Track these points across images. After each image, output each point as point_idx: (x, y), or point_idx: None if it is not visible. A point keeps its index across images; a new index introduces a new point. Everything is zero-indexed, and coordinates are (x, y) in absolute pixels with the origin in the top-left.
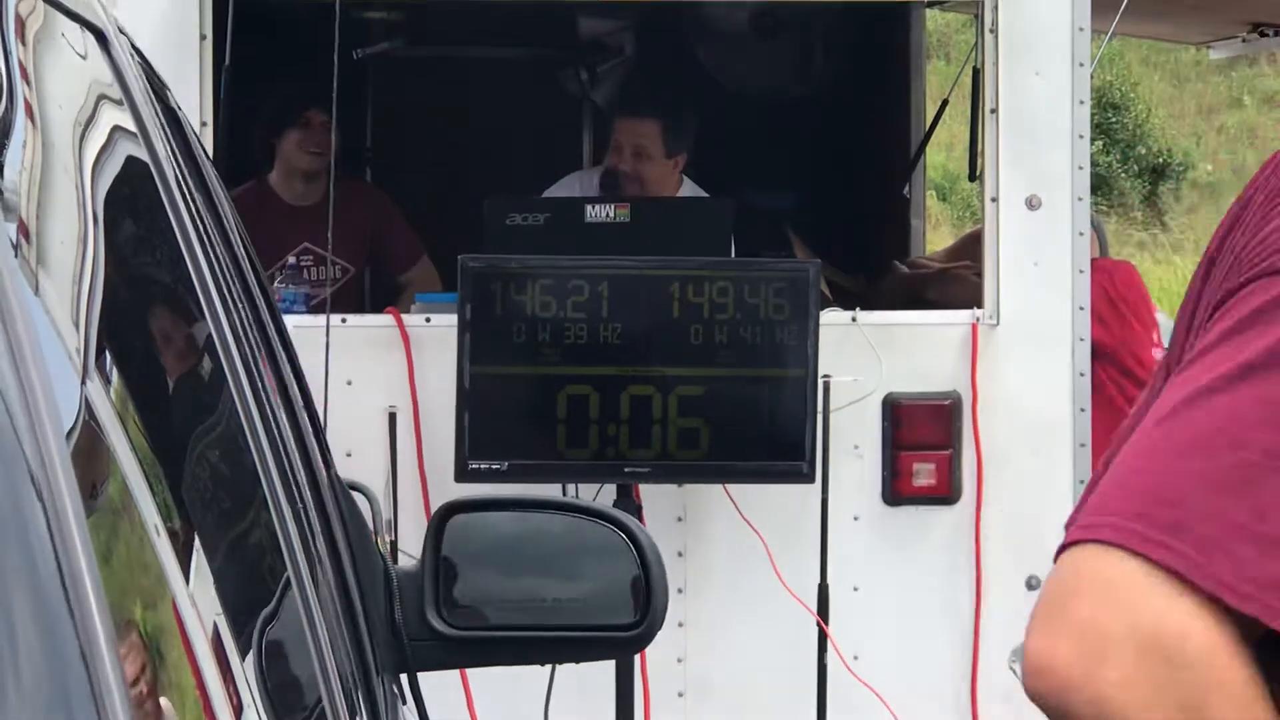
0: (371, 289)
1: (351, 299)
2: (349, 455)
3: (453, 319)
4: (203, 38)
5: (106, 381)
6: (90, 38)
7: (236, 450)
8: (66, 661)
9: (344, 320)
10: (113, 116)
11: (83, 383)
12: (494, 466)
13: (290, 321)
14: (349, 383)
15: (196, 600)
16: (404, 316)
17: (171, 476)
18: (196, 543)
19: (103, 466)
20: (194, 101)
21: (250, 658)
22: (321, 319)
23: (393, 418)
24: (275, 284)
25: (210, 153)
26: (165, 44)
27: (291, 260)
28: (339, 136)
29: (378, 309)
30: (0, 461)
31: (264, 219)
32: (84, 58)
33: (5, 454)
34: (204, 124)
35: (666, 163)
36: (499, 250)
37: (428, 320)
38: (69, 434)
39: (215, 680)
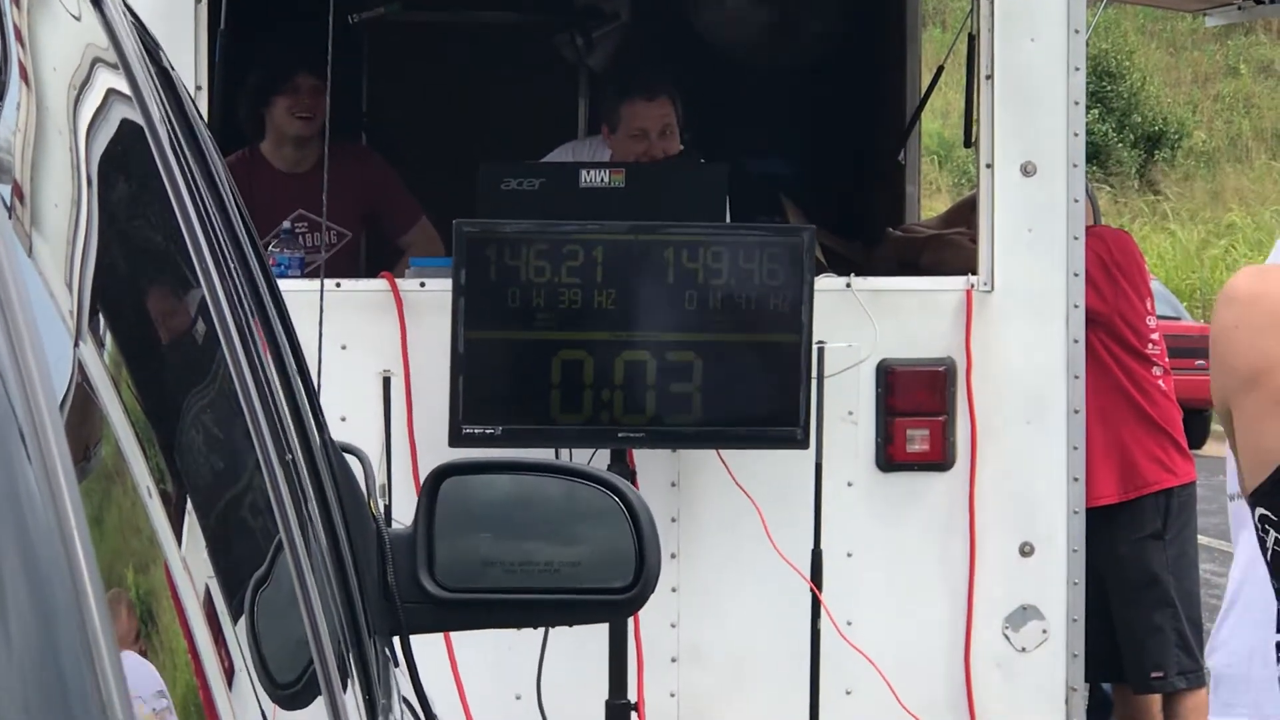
0: (369, 253)
1: (349, 264)
2: (343, 419)
3: (447, 284)
4: (198, 1)
5: (100, 344)
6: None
7: (229, 414)
8: (58, 623)
9: (338, 285)
10: (106, 78)
11: (75, 345)
12: (488, 431)
13: (284, 286)
14: (343, 347)
15: (189, 563)
16: (398, 281)
17: (164, 439)
18: (189, 506)
19: (95, 429)
20: (189, 65)
21: (242, 621)
22: (316, 283)
23: (387, 382)
24: (270, 249)
25: (205, 116)
26: (161, 6)
27: (287, 225)
28: (330, 101)
29: (374, 273)
30: None
31: (257, 187)
32: (78, 18)
33: None
34: (199, 88)
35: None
36: (494, 215)
37: (422, 285)
38: (62, 396)
39: (207, 642)
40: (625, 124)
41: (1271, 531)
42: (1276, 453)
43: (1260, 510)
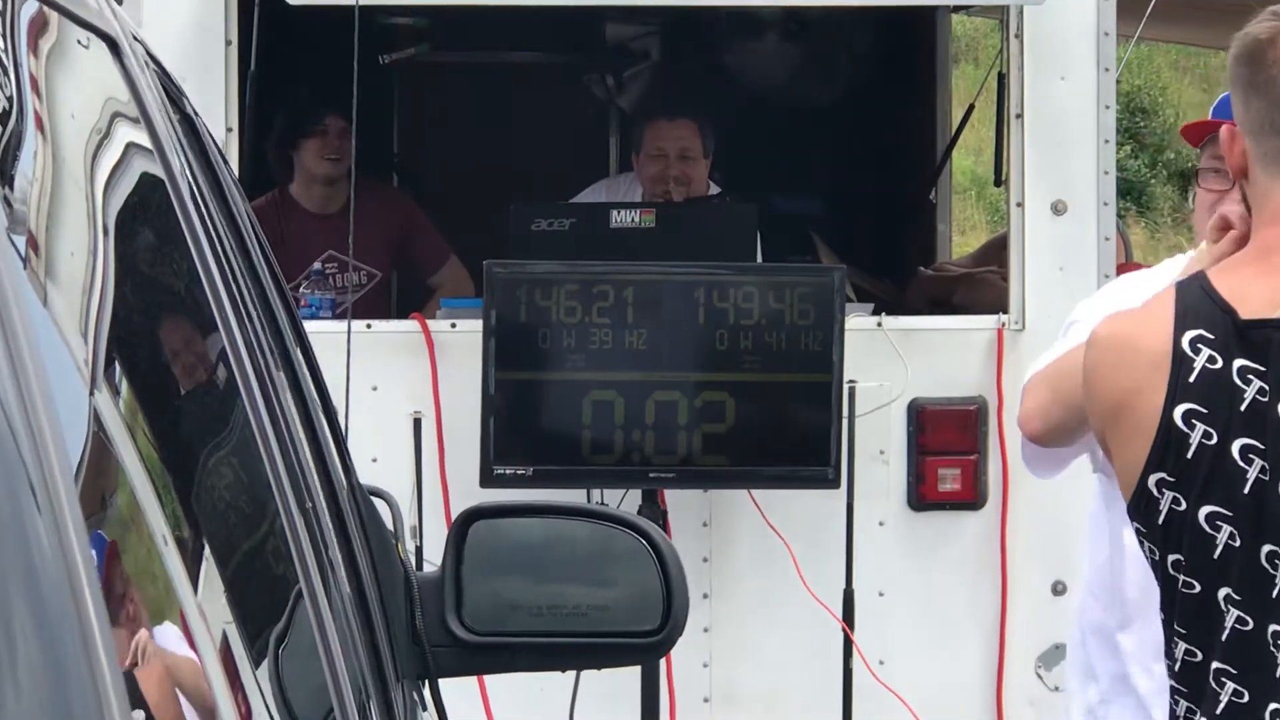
0: (399, 293)
1: (380, 304)
2: (374, 461)
3: (478, 324)
4: (228, 43)
5: (115, 393)
6: (102, 45)
7: (248, 461)
8: (70, 673)
9: (369, 326)
10: (124, 125)
11: (90, 394)
12: (519, 472)
13: (314, 328)
14: (374, 388)
15: (205, 610)
16: (429, 322)
17: (181, 488)
18: (206, 553)
19: (110, 478)
20: (219, 107)
21: (262, 667)
22: (345, 324)
23: (418, 423)
24: (301, 290)
25: (235, 159)
26: (190, 49)
27: (317, 266)
28: (360, 142)
29: (405, 313)
30: (2, 474)
31: (287, 229)
32: (94, 66)
33: (7, 467)
34: (229, 130)
35: (705, 163)
36: (525, 256)
37: (453, 326)
38: (75, 446)
39: (224, 690)
40: (646, 145)
41: (1145, 542)
42: (1137, 474)
43: (1135, 524)
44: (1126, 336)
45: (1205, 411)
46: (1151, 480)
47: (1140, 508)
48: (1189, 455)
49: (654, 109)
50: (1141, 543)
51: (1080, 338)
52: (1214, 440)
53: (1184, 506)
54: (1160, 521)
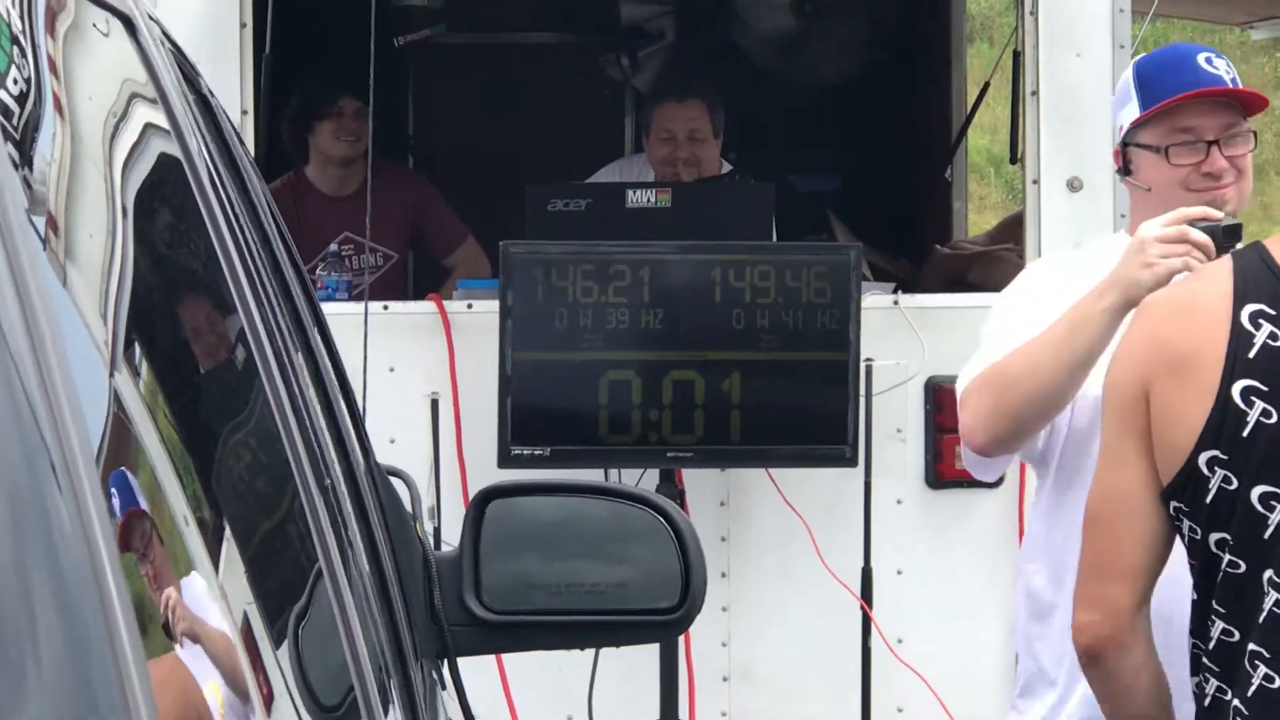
0: (416, 274)
1: (396, 285)
2: (392, 442)
3: (494, 305)
4: (243, 25)
5: (135, 374)
6: (119, 26)
7: (267, 441)
8: (91, 653)
9: (385, 307)
10: (141, 106)
11: (110, 375)
12: (536, 452)
13: (331, 309)
14: (391, 369)
15: (226, 590)
16: (445, 303)
17: (201, 468)
18: (227, 533)
19: (131, 459)
20: (234, 89)
21: (283, 647)
22: (362, 306)
23: (435, 404)
24: (317, 272)
25: (251, 142)
26: (205, 32)
27: (333, 248)
28: (376, 124)
29: (421, 294)
30: (23, 455)
31: (303, 211)
32: (112, 47)
33: (28, 448)
34: (245, 112)
35: (715, 143)
36: (541, 236)
37: (469, 306)
38: (96, 427)
39: (245, 669)
40: (655, 127)
41: (1185, 521)
42: (1185, 453)
43: (1174, 504)
44: (1184, 304)
45: (1265, 389)
46: (1202, 459)
47: (1184, 487)
48: (1245, 433)
49: (663, 91)
50: (1179, 521)
51: (1007, 334)
52: (1273, 419)
53: (1235, 485)
54: (1209, 500)
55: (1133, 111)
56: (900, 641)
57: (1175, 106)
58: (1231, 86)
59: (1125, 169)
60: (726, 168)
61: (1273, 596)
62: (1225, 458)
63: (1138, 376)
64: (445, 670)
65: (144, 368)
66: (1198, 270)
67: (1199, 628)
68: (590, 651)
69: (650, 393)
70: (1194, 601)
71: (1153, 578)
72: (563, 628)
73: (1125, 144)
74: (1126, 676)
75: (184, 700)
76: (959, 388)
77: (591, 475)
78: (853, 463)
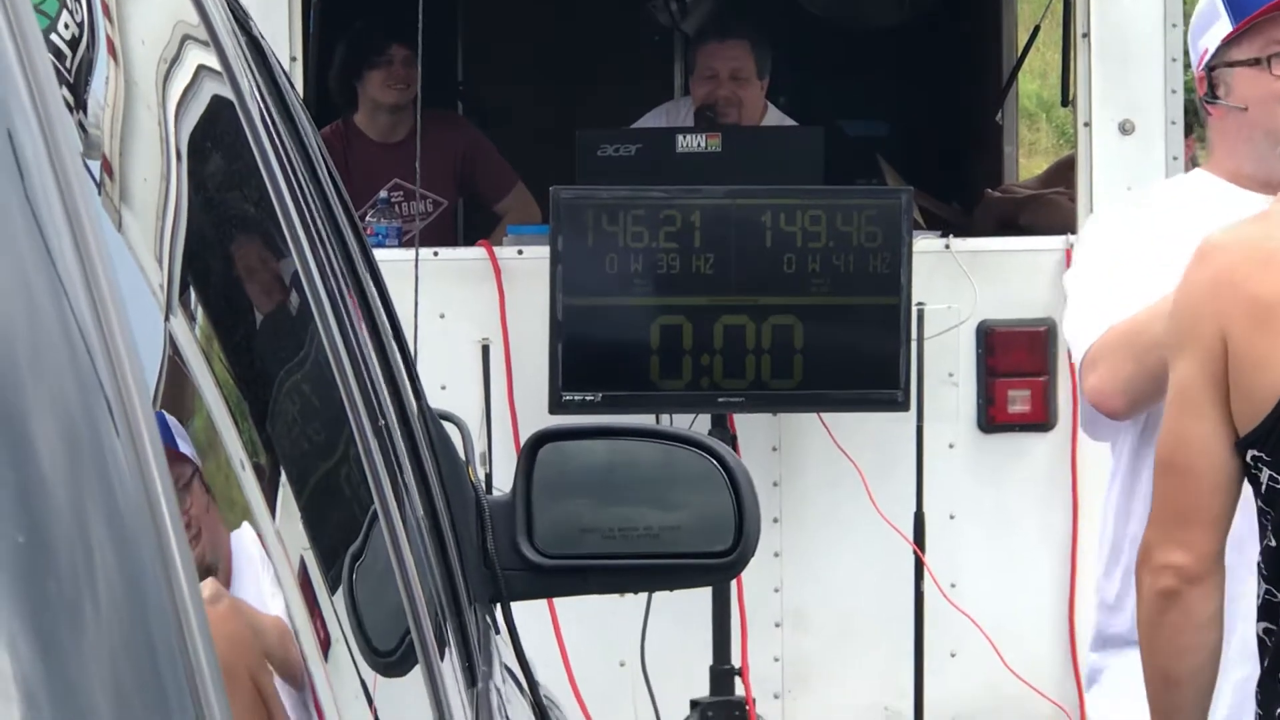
0: (466, 221)
1: (446, 231)
2: (443, 388)
3: (545, 251)
4: None
5: (191, 318)
6: None
7: (323, 385)
8: (149, 596)
9: (436, 254)
10: (193, 48)
11: (166, 319)
12: (588, 398)
13: (381, 256)
14: (442, 316)
15: (282, 535)
16: (496, 249)
17: (256, 412)
18: (282, 477)
19: (187, 403)
20: (284, 37)
21: (339, 591)
22: (412, 253)
23: (486, 350)
24: (367, 219)
25: (300, 88)
26: None
27: (383, 195)
28: (425, 70)
29: (471, 241)
30: (81, 399)
31: (352, 158)
32: None
33: (85, 392)
34: (293, 59)
35: (759, 84)
36: (591, 181)
37: (520, 253)
38: (152, 370)
39: (302, 614)
40: (699, 66)
41: (1265, 470)
42: (1272, 396)
43: (1252, 452)
44: (1259, 250)
45: None
46: None
47: (1267, 435)
48: None
49: (706, 30)
50: (1256, 470)
51: (1120, 293)
52: None
53: None
54: None
55: (1223, 28)
56: (953, 586)
57: (1271, 16)
58: None
59: (1212, 94)
60: (771, 111)
61: None
62: None
63: (1215, 323)
64: (499, 615)
65: (199, 311)
66: (1264, 211)
67: (1274, 575)
68: (642, 597)
69: (701, 337)
70: (1270, 549)
71: (1228, 526)
72: (615, 572)
73: (1212, 67)
74: (1202, 623)
75: (241, 644)
76: (1076, 351)
77: (643, 421)
78: (904, 407)
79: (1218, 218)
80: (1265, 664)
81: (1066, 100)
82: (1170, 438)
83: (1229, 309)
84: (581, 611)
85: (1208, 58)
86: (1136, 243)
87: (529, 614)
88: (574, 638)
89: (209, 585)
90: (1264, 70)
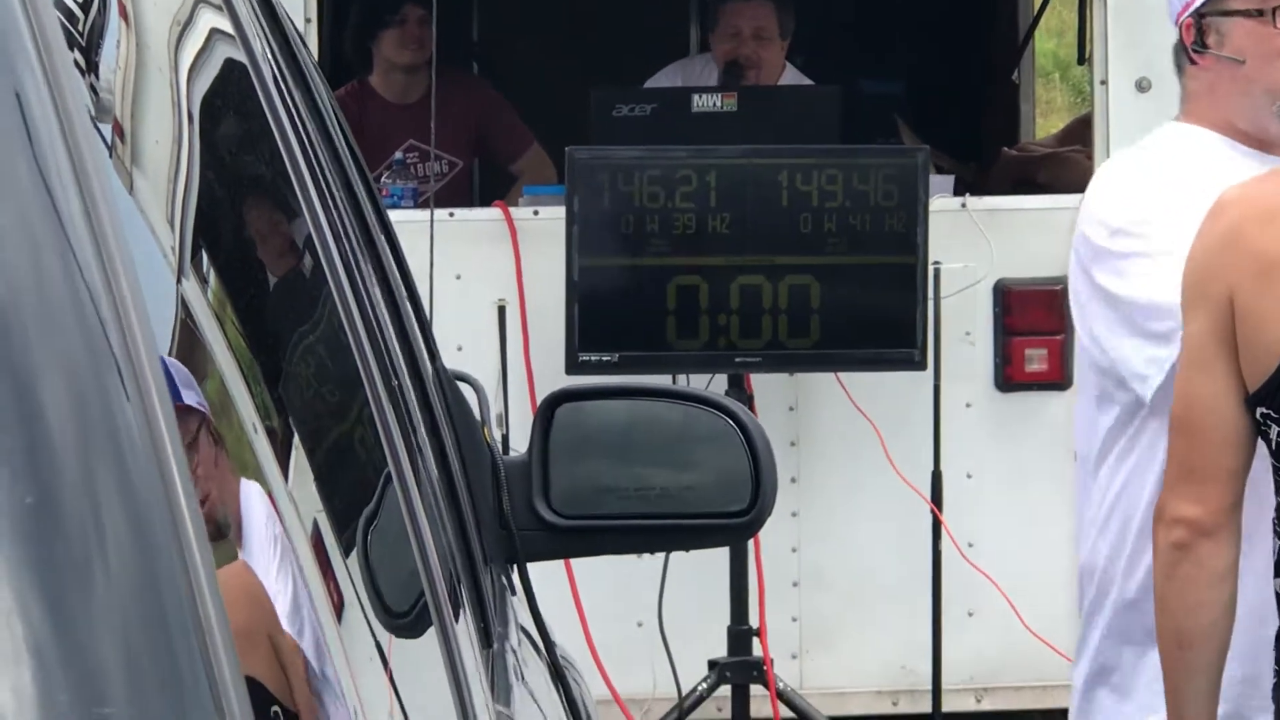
0: (481, 181)
1: (462, 192)
2: (459, 349)
3: (560, 211)
4: None
5: (203, 280)
6: None
7: (337, 347)
8: (160, 561)
9: (451, 215)
10: (206, 11)
11: (178, 282)
12: (604, 358)
13: (397, 217)
14: (458, 277)
15: (295, 496)
16: (511, 210)
17: (269, 373)
18: (295, 439)
19: (199, 365)
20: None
21: (353, 553)
22: (428, 214)
23: (502, 311)
24: (383, 180)
25: (314, 50)
26: None
27: (398, 156)
28: (440, 30)
29: (487, 201)
30: (91, 361)
31: (367, 119)
32: None
33: (96, 355)
34: (308, 20)
35: (780, 44)
36: (606, 141)
37: (535, 213)
38: (164, 334)
39: (316, 576)
40: (721, 24)
41: (1275, 427)
42: (1277, 351)
43: (1261, 409)
44: (1265, 205)
45: None
46: None
47: (1275, 391)
48: None
49: None
50: (1265, 427)
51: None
52: None
53: None
54: None
55: None
56: (970, 545)
57: None
58: None
59: (1201, 42)
60: (790, 71)
61: None
62: None
63: (1223, 280)
64: (515, 575)
65: (211, 274)
66: (1275, 169)
67: None
68: (660, 557)
69: (718, 298)
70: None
71: (1243, 482)
72: (632, 532)
73: (1203, 14)
74: (1214, 578)
75: (253, 606)
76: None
77: (659, 381)
78: (921, 366)
79: (1230, 177)
80: None
81: (1083, 58)
82: (1182, 395)
83: (1235, 265)
84: (599, 572)
85: (1197, 3)
86: (1167, 228)
87: (546, 575)
88: (591, 599)
89: (221, 547)
90: (1267, 22)
